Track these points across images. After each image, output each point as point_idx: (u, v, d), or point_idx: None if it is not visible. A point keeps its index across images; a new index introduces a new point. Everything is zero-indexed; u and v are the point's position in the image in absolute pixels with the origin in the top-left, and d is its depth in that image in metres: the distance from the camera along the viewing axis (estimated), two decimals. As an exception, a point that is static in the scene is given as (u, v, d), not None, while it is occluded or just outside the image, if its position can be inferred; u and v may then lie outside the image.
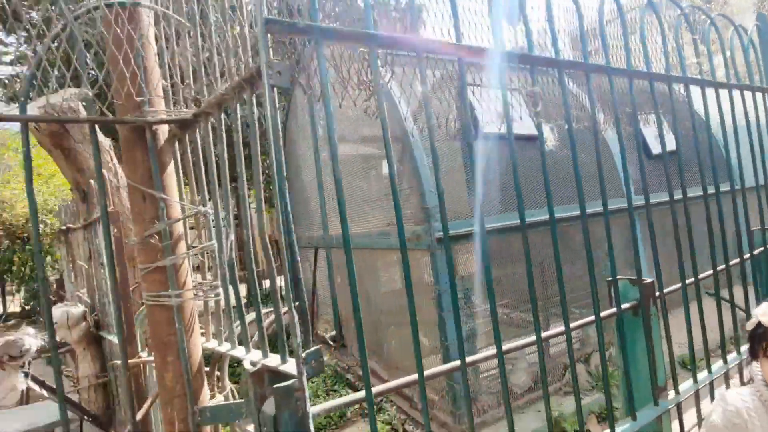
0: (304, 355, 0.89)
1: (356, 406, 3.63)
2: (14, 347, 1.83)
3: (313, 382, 4.15)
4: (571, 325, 1.41)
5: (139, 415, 1.50)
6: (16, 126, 1.06)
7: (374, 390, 1.06)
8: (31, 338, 2.05)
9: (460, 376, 1.21)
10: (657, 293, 1.65)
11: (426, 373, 1.14)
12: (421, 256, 2.77)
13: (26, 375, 2.04)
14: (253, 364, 1.06)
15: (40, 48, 1.06)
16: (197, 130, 1.33)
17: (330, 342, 4.76)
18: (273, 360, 1.08)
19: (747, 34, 2.16)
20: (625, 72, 1.65)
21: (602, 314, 1.51)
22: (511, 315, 3.56)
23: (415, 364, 1.10)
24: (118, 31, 1.12)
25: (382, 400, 3.37)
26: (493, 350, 1.27)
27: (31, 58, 1.11)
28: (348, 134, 3.76)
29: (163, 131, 1.31)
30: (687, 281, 1.79)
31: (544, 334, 1.34)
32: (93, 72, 1.20)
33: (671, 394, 1.67)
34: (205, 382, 1.31)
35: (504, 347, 1.25)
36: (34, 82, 1.09)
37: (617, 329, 1.68)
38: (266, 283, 10.46)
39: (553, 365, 3.25)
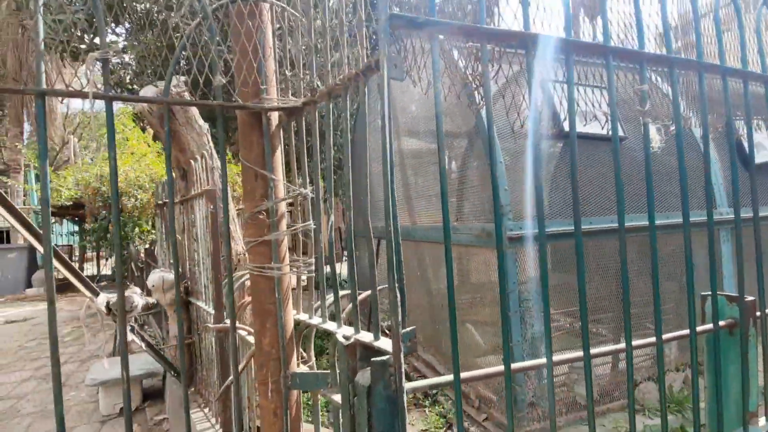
0: (401, 333, 0.95)
1: (410, 396, 3.70)
2: (126, 303, 2.09)
3: (368, 368, 4.28)
4: (664, 336, 1.35)
5: (240, 368, 1.67)
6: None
7: (462, 376, 1.10)
8: (137, 296, 2.33)
9: (521, 379, 1.21)
10: (758, 313, 1.53)
11: (478, 372, 1.15)
12: (491, 254, 2.76)
13: (131, 329, 2.32)
14: (347, 338, 1.14)
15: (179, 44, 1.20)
16: (303, 117, 1.44)
17: (387, 331, 4.86)
18: (366, 336, 1.15)
19: None
20: (740, 72, 1.53)
21: (698, 329, 1.44)
22: (577, 324, 3.44)
23: (468, 361, 1.13)
24: (244, 25, 1.24)
25: (437, 393, 3.41)
26: (557, 356, 1.26)
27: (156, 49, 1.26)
28: (422, 126, 3.79)
29: (275, 117, 1.43)
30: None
31: (611, 347, 1.30)
32: (216, 62, 1.33)
33: (762, 420, 1.55)
34: (295, 350, 1.43)
35: (562, 357, 1.23)
36: (163, 69, 1.24)
37: (710, 348, 1.58)
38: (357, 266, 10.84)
39: (622, 379, 3.09)
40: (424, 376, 3.75)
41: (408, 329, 1.00)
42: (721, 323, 1.55)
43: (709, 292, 1.67)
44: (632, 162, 3.36)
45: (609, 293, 3.26)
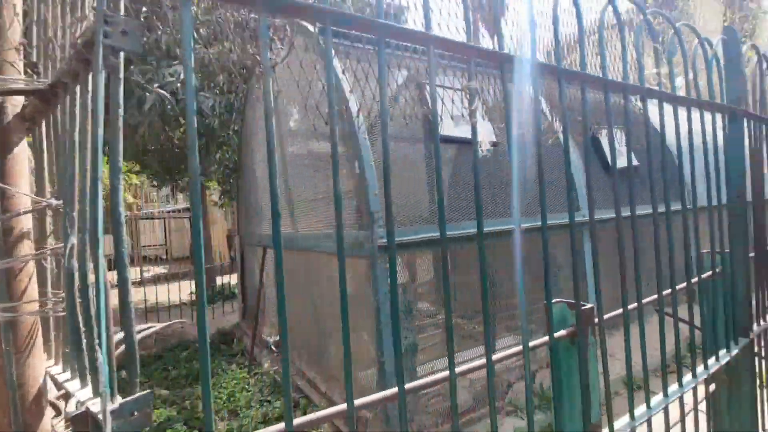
0: (117, 404, 0.68)
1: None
2: None
3: (248, 390, 3.89)
4: (531, 343, 1.24)
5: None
6: None
7: (295, 422, 0.84)
8: None
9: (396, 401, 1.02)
10: (596, 320, 1.53)
11: (357, 402, 0.93)
12: (362, 264, 2.58)
13: None
14: (79, 405, 0.83)
15: None
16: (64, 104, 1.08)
17: (273, 348, 4.50)
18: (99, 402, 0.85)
19: (712, 47, 2.10)
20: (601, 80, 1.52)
21: (531, 343, 1.37)
22: (455, 325, 3.43)
23: (356, 378, 0.90)
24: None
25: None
26: (433, 377, 1.09)
27: None
28: (300, 130, 3.53)
29: (15, 105, 1.06)
30: (630, 306, 1.68)
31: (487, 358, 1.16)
32: None
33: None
34: (47, 416, 1.06)
35: (432, 378, 1.06)
36: None
37: (551, 358, 1.54)
38: (223, 279, 10.01)
39: (498, 381, 3.13)
40: (307, 398, 3.47)
41: (136, 396, 0.72)
42: (560, 332, 1.52)
43: (563, 299, 1.65)
44: (510, 166, 3.45)
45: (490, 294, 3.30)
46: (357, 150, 2.53)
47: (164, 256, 20.56)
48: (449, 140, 2.92)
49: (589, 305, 1.51)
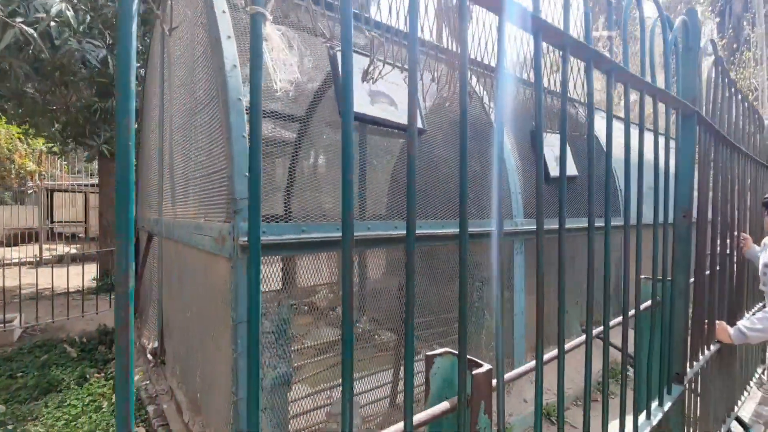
0: None
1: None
2: None
3: (102, 412, 3.12)
4: None
5: None
6: None
7: None
8: None
9: None
10: (494, 382, 1.02)
11: None
12: (222, 266, 1.95)
13: None
14: None
15: None
16: None
17: (149, 356, 3.73)
18: None
19: (671, 30, 1.68)
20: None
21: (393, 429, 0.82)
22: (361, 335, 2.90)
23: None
24: None
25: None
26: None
27: None
28: (183, 95, 2.81)
29: None
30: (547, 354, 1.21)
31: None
32: None
33: None
34: None
35: None
36: None
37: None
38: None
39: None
40: (167, 427, 2.78)
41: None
42: (441, 406, 1.00)
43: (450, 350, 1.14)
44: (431, 159, 2.94)
45: (426, 300, 2.79)
46: (226, 114, 1.88)
47: (83, 235, 18.54)
48: (359, 118, 2.34)
49: (485, 367, 0.99)
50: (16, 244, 13.45)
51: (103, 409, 3.16)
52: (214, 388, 2.22)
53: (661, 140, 1.62)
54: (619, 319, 1.58)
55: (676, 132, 1.80)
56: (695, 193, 1.98)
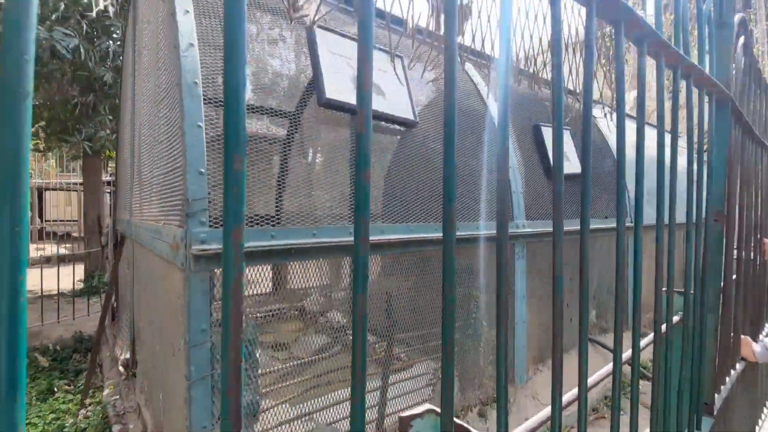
0: None
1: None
2: None
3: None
4: None
5: None
6: None
7: None
8: None
9: None
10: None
11: None
12: (176, 277, 1.67)
13: None
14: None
15: None
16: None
17: (121, 368, 3.46)
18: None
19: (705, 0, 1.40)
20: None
21: None
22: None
23: None
24: None
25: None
26: None
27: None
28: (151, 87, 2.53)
29: None
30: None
31: None
32: None
33: None
34: None
35: None
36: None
37: None
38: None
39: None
40: (130, 450, 2.50)
41: None
42: None
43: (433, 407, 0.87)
44: (426, 155, 2.67)
45: (416, 307, 2.53)
46: (180, 99, 1.60)
47: (77, 234, 18.24)
48: (337, 106, 2.06)
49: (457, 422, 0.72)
50: None
51: (66, 428, 2.88)
52: (173, 412, 1.94)
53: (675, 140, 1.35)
54: (649, 338, 1.31)
55: (710, 121, 1.52)
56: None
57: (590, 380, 1.22)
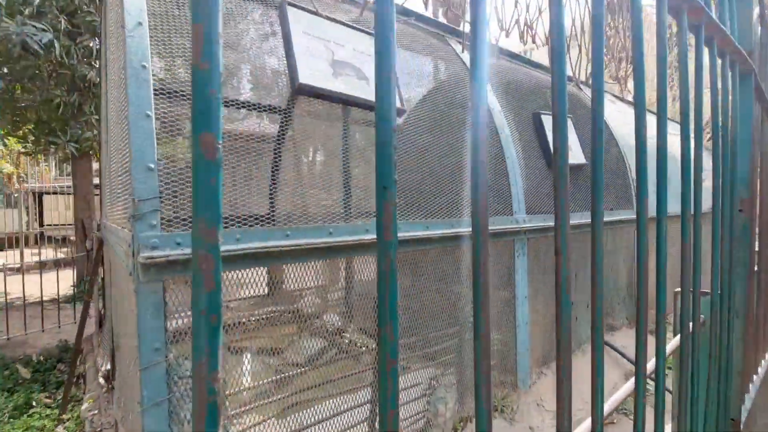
0: None
1: None
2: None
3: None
4: None
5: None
6: None
7: None
8: None
9: None
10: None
11: None
12: (130, 287, 1.48)
13: None
14: None
15: None
16: None
17: (101, 380, 3.28)
18: None
19: None
20: None
21: None
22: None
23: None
24: None
25: None
26: None
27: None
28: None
29: None
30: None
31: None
32: None
33: None
34: None
35: None
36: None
37: None
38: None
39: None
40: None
41: None
42: None
43: None
44: (415, 149, 2.47)
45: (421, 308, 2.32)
46: (126, 85, 1.41)
47: (74, 238, 18.10)
48: (312, 93, 1.86)
49: None
50: (2, 249, 13.05)
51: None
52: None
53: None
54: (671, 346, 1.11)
55: (733, 95, 1.32)
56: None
57: (608, 405, 1.02)
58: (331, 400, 2.21)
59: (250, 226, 1.59)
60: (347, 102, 2.02)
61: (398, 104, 2.21)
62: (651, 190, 1.77)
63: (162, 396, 1.36)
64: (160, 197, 1.39)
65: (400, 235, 2.12)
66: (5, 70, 5.04)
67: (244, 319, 2.68)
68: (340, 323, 2.85)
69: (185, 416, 1.44)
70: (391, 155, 0.39)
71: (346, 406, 2.22)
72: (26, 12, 3.93)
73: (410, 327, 2.46)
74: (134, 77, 1.40)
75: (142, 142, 1.36)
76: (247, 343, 2.46)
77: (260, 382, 2.04)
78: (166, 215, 1.40)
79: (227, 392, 1.75)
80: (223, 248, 1.48)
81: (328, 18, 2.03)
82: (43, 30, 3.89)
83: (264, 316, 2.62)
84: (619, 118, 5.12)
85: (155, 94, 1.45)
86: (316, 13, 1.99)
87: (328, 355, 2.78)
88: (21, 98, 6.12)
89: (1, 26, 3.53)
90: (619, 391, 1.14)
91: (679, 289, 1.57)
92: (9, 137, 7.80)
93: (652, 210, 1.00)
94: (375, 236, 1.94)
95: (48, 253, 13.35)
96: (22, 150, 7.12)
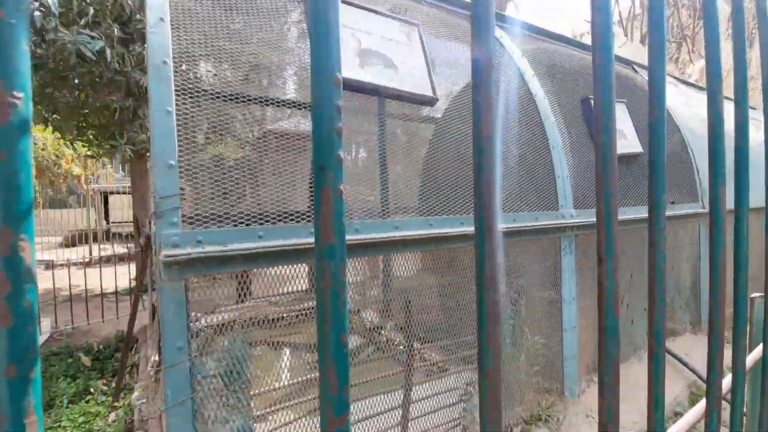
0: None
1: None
2: None
3: (87, 438, 2.82)
4: None
5: None
6: None
7: None
8: None
9: None
10: None
11: None
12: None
13: None
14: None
15: None
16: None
17: (151, 369, 3.42)
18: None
19: None
20: None
21: None
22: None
23: None
24: None
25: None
26: None
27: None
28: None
29: None
30: None
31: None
32: None
33: None
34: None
35: None
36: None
37: None
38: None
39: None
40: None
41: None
42: None
43: None
44: (452, 141, 2.33)
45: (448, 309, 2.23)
46: (149, 82, 1.40)
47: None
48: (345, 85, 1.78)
49: None
50: (74, 245, 14.26)
51: (93, 432, 2.87)
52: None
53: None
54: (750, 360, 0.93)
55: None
56: None
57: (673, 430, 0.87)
58: (367, 400, 2.14)
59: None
60: (375, 92, 1.93)
61: (430, 93, 2.09)
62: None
63: (185, 395, 1.35)
64: (182, 195, 1.37)
65: (436, 231, 2.01)
66: (74, 80, 5.45)
67: (284, 314, 2.68)
68: (377, 320, 2.78)
69: (209, 416, 1.42)
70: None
71: (380, 407, 2.15)
72: (82, 22, 4.17)
73: (446, 328, 2.34)
74: (155, 74, 1.39)
75: (162, 138, 1.35)
76: (285, 338, 2.46)
77: (297, 380, 2.01)
78: (187, 212, 1.38)
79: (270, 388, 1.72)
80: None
81: (355, 5, 1.94)
82: (96, 38, 4.12)
83: (304, 312, 2.60)
84: (679, 101, 4.66)
85: (176, 93, 1.43)
86: (343, 2, 1.91)
87: (365, 353, 2.73)
88: (84, 104, 6.59)
89: (57, 36, 3.77)
90: (686, 414, 0.98)
91: (757, 294, 1.35)
92: (77, 141, 8.45)
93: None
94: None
95: (115, 249, 14.43)
96: (88, 153, 7.66)
